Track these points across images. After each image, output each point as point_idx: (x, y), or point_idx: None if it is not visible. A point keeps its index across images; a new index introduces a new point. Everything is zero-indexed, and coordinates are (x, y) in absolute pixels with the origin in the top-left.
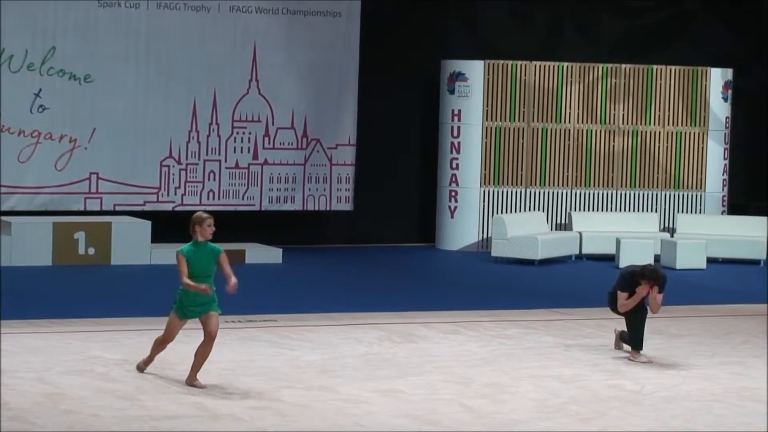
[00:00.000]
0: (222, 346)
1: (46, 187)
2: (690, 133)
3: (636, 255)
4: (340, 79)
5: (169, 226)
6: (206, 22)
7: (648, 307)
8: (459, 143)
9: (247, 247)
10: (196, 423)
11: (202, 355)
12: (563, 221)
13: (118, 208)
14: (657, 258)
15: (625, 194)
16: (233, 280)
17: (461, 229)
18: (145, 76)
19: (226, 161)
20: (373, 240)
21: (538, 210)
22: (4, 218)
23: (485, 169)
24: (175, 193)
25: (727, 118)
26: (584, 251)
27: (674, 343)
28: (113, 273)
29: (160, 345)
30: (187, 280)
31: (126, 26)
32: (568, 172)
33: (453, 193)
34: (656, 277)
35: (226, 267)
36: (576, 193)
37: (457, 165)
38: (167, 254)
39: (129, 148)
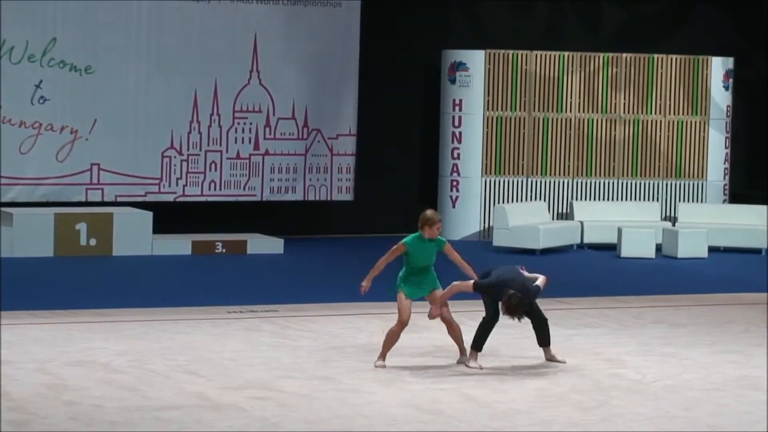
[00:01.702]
0: (224, 336)
1: (48, 178)
2: (691, 122)
3: (638, 244)
4: (341, 69)
5: (171, 216)
6: (206, 12)
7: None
8: (460, 133)
9: (249, 238)
10: (197, 413)
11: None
12: (565, 210)
13: (119, 199)
14: (658, 247)
15: (627, 183)
16: (466, 267)
17: (463, 218)
18: (145, 67)
19: (227, 152)
20: (374, 230)
21: (540, 199)
22: (5, 209)
23: (486, 159)
24: (177, 184)
25: (728, 106)
26: (586, 240)
27: (675, 332)
28: (115, 264)
29: (395, 334)
30: (379, 264)
31: (126, 17)
32: (569, 161)
33: (454, 183)
34: (513, 311)
35: (455, 256)
36: (577, 183)
37: (459, 155)
38: (168, 245)
39: (130, 139)
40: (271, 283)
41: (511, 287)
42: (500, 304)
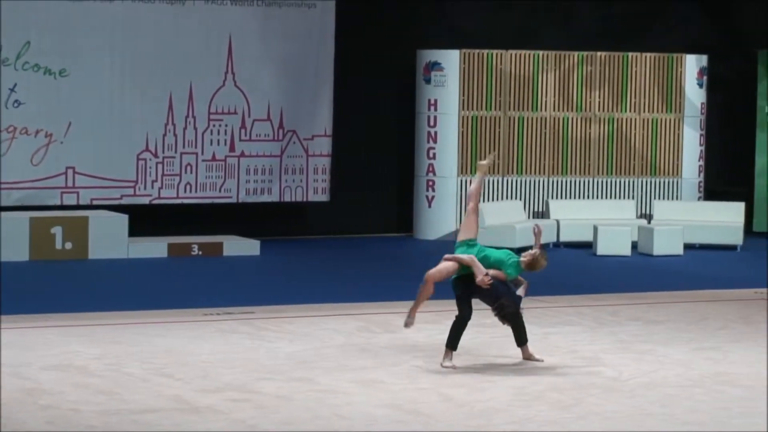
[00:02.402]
0: (200, 338)
1: (23, 182)
2: (666, 120)
3: (613, 242)
4: (316, 70)
5: (147, 219)
6: (181, 14)
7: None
8: (436, 133)
9: (225, 240)
10: (175, 416)
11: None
12: (540, 209)
13: (95, 203)
14: (634, 245)
15: (602, 181)
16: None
17: (439, 218)
18: (120, 70)
19: (202, 154)
20: (350, 230)
21: (516, 198)
22: None
23: (462, 159)
24: (152, 187)
25: (702, 104)
26: (562, 239)
27: (652, 329)
28: (91, 267)
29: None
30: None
31: (101, 20)
32: (544, 160)
33: (430, 183)
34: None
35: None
36: (553, 181)
37: (434, 154)
38: (144, 248)
39: (105, 142)
40: (248, 285)
41: (505, 295)
42: (493, 308)
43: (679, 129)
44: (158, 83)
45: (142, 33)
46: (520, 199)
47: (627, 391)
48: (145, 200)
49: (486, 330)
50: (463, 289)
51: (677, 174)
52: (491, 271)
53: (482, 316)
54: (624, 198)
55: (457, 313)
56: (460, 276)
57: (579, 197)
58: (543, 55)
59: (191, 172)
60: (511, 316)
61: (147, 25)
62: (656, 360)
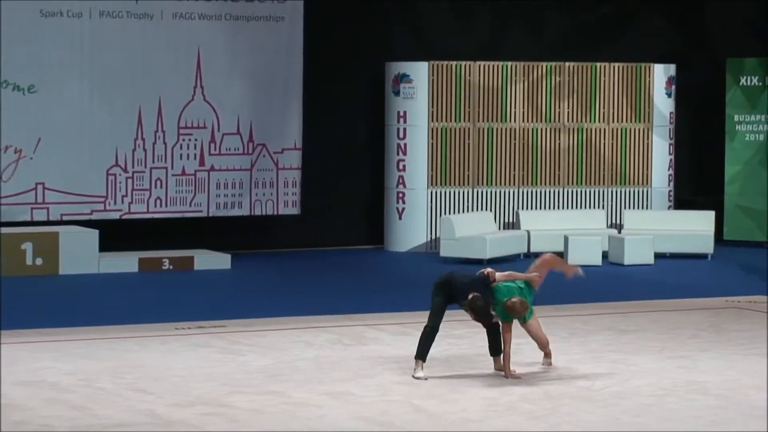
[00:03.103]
0: (172, 353)
1: None
2: (635, 130)
3: (584, 252)
4: (285, 84)
5: (117, 234)
6: (149, 29)
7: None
8: (405, 145)
9: (196, 254)
10: (148, 430)
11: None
12: (511, 220)
13: (65, 218)
14: (605, 254)
15: (572, 191)
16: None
17: (409, 230)
18: (89, 85)
19: (172, 168)
20: (321, 243)
21: (486, 209)
22: None
23: (432, 170)
24: (122, 202)
25: (671, 113)
26: (532, 249)
27: (623, 339)
28: (61, 283)
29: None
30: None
31: (69, 35)
32: (514, 171)
33: (400, 195)
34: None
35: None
36: (523, 192)
37: (404, 166)
38: (115, 263)
39: (75, 157)
40: (219, 299)
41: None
42: (464, 302)
43: (648, 138)
44: (127, 98)
45: (110, 48)
46: (491, 210)
47: (599, 401)
48: (116, 215)
49: (457, 341)
50: (443, 295)
51: (647, 183)
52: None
53: (453, 327)
54: (594, 208)
55: (426, 323)
56: (442, 281)
57: (549, 207)
58: (511, 66)
59: (161, 187)
60: (480, 310)
61: (115, 40)
62: (628, 369)
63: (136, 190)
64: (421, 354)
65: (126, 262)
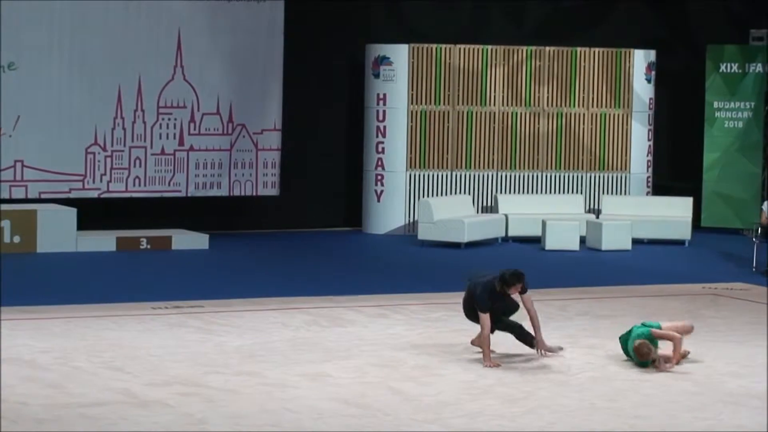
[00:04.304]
0: (149, 332)
1: None
2: (614, 115)
3: (562, 237)
4: (265, 65)
5: (95, 213)
6: (130, 8)
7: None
8: (384, 127)
9: (174, 234)
10: (123, 409)
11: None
12: (489, 204)
13: (43, 196)
14: (582, 239)
15: (551, 176)
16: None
17: (388, 212)
18: (69, 64)
19: (151, 148)
20: (299, 225)
21: (464, 193)
22: None
23: (411, 153)
24: (101, 180)
25: (650, 99)
26: (510, 233)
27: (599, 324)
28: (39, 261)
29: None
30: None
31: (50, 13)
32: (493, 154)
33: (379, 177)
34: (520, 276)
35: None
36: (502, 176)
37: (383, 149)
38: (93, 242)
39: (54, 135)
40: (197, 279)
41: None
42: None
43: (627, 124)
44: (107, 77)
45: (91, 26)
46: (469, 193)
47: (575, 385)
48: (94, 194)
49: (434, 324)
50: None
51: (626, 169)
52: None
53: (430, 310)
54: (572, 193)
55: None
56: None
57: (527, 192)
58: (492, 50)
59: (140, 166)
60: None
61: (96, 18)
62: (605, 354)
63: (114, 169)
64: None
65: (104, 241)
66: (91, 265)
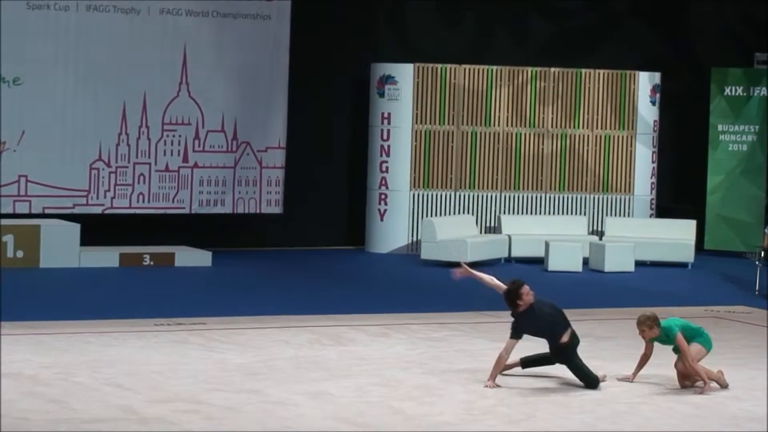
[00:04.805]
0: (151, 348)
1: None
2: (618, 137)
3: (565, 258)
4: (270, 82)
5: (99, 229)
6: (136, 24)
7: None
8: (389, 146)
9: (177, 250)
10: (124, 425)
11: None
12: (492, 224)
13: (47, 211)
14: (585, 261)
15: (554, 197)
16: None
17: (391, 231)
18: (74, 79)
19: (155, 164)
20: (302, 243)
21: (468, 213)
22: None
23: (415, 172)
24: (105, 196)
25: (655, 121)
26: (513, 254)
27: (601, 346)
28: (42, 276)
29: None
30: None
31: (55, 28)
32: (497, 175)
33: (383, 196)
34: (514, 282)
35: None
36: (505, 196)
37: (387, 168)
38: (96, 257)
39: (58, 150)
40: (199, 296)
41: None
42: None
43: (631, 146)
44: (112, 92)
45: (96, 42)
46: (473, 213)
47: (576, 407)
48: (98, 210)
49: (436, 344)
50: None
51: (629, 191)
52: None
53: (432, 330)
54: (576, 214)
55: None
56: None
57: (531, 213)
58: (496, 70)
59: (144, 183)
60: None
61: (101, 34)
62: (606, 376)
63: (118, 185)
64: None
65: (107, 257)
66: (93, 281)
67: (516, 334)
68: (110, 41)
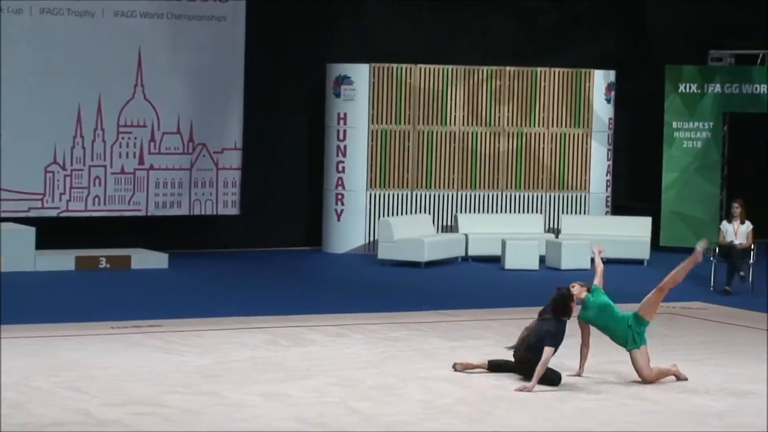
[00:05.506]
0: (108, 352)
1: None
2: (574, 135)
3: (521, 256)
4: (226, 83)
5: (54, 232)
6: (90, 27)
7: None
8: (345, 146)
9: (133, 253)
10: (82, 429)
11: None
12: (449, 223)
13: (2, 215)
14: (542, 259)
15: (511, 196)
16: None
17: (348, 232)
18: (29, 82)
19: (111, 167)
20: (260, 244)
21: (425, 212)
22: None
23: (371, 172)
24: (60, 199)
25: (610, 119)
26: (470, 253)
27: None
28: None
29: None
30: None
31: (9, 31)
32: (453, 174)
33: (339, 197)
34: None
35: None
36: (462, 195)
37: (344, 168)
38: (52, 261)
39: (13, 154)
40: (156, 298)
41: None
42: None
43: (587, 144)
44: (67, 95)
45: (51, 45)
46: (429, 212)
47: (534, 404)
48: (53, 213)
49: (395, 344)
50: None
51: (585, 188)
52: None
53: (391, 329)
54: (532, 212)
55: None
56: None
57: (487, 211)
58: (452, 70)
59: (100, 185)
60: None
61: (56, 36)
62: (564, 373)
63: (74, 188)
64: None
65: (63, 260)
66: (49, 285)
67: (556, 342)
68: (64, 44)
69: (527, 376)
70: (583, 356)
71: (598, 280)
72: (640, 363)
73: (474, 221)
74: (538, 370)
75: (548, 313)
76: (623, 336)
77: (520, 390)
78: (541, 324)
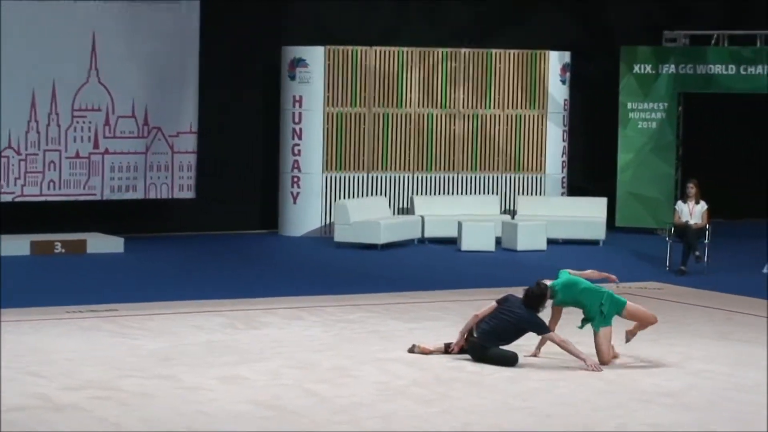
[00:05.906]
0: (64, 336)
1: None
2: (529, 116)
3: (477, 237)
4: (181, 67)
5: (9, 217)
6: (44, 11)
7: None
8: (301, 129)
9: (89, 237)
10: (39, 414)
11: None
12: (405, 205)
13: None
14: (498, 240)
15: (466, 177)
16: None
17: (304, 214)
18: None
19: (66, 151)
20: (216, 227)
21: (381, 195)
22: None
23: (327, 155)
24: (15, 184)
25: (565, 100)
26: (426, 235)
27: None
28: None
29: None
30: None
31: None
32: (409, 156)
33: (295, 179)
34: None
35: None
36: (417, 177)
37: (299, 151)
38: (7, 246)
39: None
40: (111, 283)
41: None
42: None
43: (542, 125)
44: (21, 80)
45: (4, 29)
46: (385, 195)
47: (490, 386)
48: (8, 198)
49: (350, 325)
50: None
51: (541, 170)
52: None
53: (346, 312)
54: (488, 194)
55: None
56: None
57: (443, 193)
58: (407, 52)
59: (55, 170)
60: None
61: (9, 21)
62: (519, 354)
63: (29, 172)
64: None
65: (18, 245)
66: (5, 270)
67: (545, 325)
68: (18, 28)
69: (480, 359)
70: (542, 339)
71: (590, 272)
72: (601, 343)
73: (430, 203)
74: (572, 350)
75: (520, 305)
76: (593, 311)
77: (592, 369)
78: (513, 316)
